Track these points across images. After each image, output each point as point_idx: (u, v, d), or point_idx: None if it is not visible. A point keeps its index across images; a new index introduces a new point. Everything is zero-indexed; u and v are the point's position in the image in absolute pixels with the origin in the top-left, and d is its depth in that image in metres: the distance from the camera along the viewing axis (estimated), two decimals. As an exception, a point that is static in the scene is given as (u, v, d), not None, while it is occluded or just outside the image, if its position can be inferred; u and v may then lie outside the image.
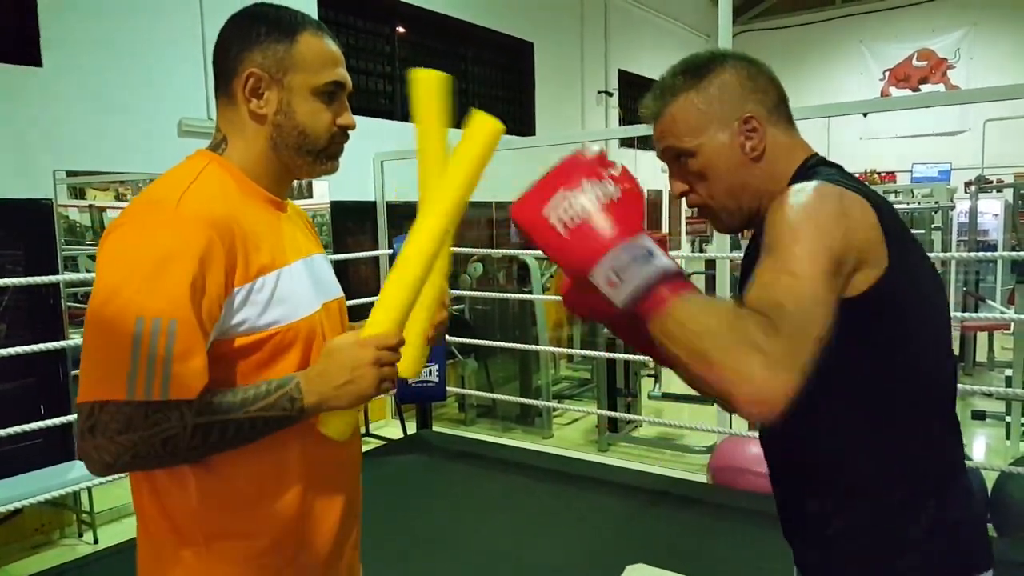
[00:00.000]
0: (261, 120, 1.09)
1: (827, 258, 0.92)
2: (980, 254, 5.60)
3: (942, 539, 1.04)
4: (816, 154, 1.14)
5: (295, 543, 1.10)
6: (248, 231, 1.04)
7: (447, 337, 4.39)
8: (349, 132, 1.15)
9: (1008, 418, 4.89)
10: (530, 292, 5.74)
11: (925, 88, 10.88)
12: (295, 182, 1.23)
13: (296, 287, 1.10)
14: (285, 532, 1.08)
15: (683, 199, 1.17)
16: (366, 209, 5.44)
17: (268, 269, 1.06)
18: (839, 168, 1.10)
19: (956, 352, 6.84)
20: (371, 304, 1.10)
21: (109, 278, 0.96)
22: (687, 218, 10.68)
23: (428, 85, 1.15)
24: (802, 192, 0.99)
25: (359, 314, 1.35)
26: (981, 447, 5.20)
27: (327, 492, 1.14)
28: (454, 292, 5.47)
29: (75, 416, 3.19)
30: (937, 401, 1.08)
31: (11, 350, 2.89)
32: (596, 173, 0.94)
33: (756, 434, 3.49)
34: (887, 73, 11.29)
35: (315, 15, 5.59)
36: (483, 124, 1.08)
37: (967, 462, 3.54)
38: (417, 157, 1.18)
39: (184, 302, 0.94)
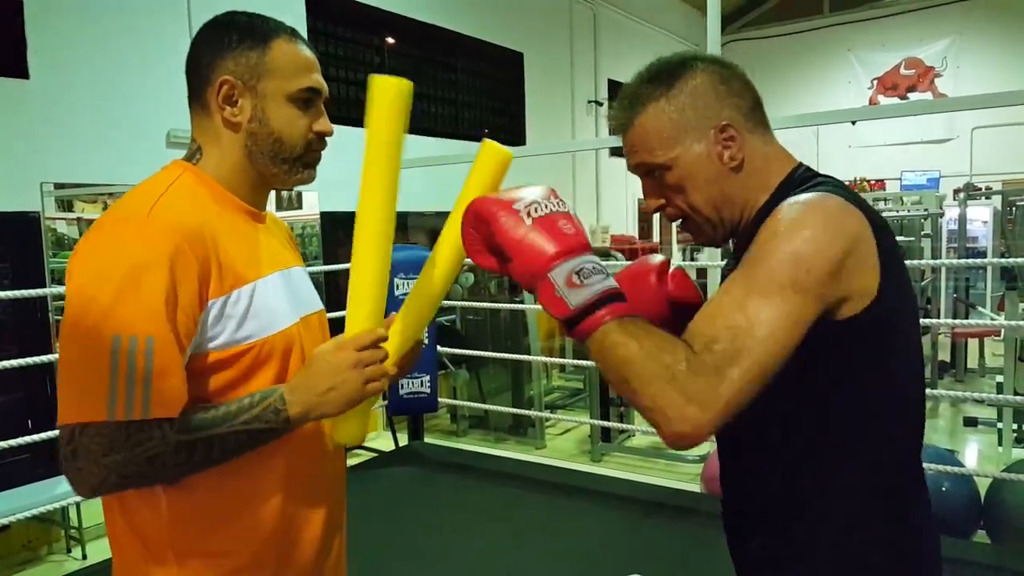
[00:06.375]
0: (235, 128, 1.07)
1: (800, 286, 0.87)
2: (969, 261, 5.64)
3: (905, 561, 1.00)
4: (801, 164, 1.07)
5: (272, 560, 1.07)
6: (221, 242, 1.02)
7: (438, 348, 4.37)
8: (327, 139, 1.13)
9: (1000, 424, 4.91)
10: (522, 302, 5.72)
11: (913, 96, 10.97)
12: (283, 193, 1.21)
13: (272, 300, 1.07)
14: (261, 549, 1.05)
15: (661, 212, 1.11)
16: (357, 220, 5.42)
17: (243, 281, 1.03)
18: (835, 181, 1.03)
19: (947, 359, 6.86)
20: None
21: (81, 294, 0.94)
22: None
23: (387, 93, 1.05)
24: (796, 205, 0.93)
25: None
26: (973, 454, 5.21)
27: (307, 507, 1.11)
28: (446, 302, 5.46)
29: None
30: (912, 427, 1.04)
31: (-3, 364, 2.86)
32: (552, 194, 0.94)
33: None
34: (875, 82, 11.37)
35: (304, 25, 5.61)
36: (494, 153, 1.13)
37: (960, 469, 3.53)
38: (364, 167, 1.07)
39: (160, 317, 0.92)
